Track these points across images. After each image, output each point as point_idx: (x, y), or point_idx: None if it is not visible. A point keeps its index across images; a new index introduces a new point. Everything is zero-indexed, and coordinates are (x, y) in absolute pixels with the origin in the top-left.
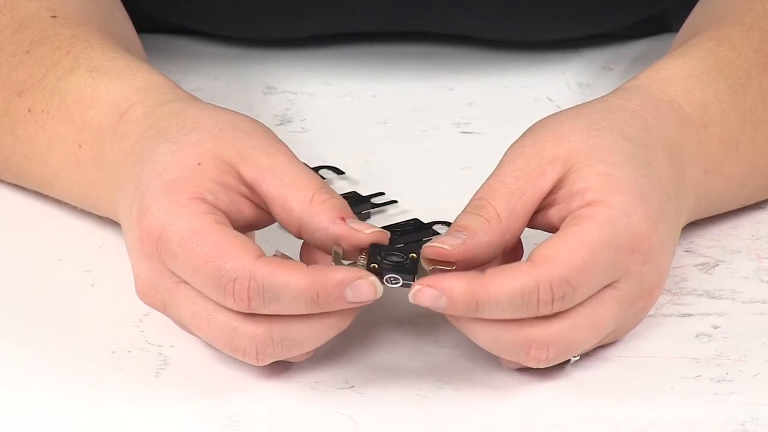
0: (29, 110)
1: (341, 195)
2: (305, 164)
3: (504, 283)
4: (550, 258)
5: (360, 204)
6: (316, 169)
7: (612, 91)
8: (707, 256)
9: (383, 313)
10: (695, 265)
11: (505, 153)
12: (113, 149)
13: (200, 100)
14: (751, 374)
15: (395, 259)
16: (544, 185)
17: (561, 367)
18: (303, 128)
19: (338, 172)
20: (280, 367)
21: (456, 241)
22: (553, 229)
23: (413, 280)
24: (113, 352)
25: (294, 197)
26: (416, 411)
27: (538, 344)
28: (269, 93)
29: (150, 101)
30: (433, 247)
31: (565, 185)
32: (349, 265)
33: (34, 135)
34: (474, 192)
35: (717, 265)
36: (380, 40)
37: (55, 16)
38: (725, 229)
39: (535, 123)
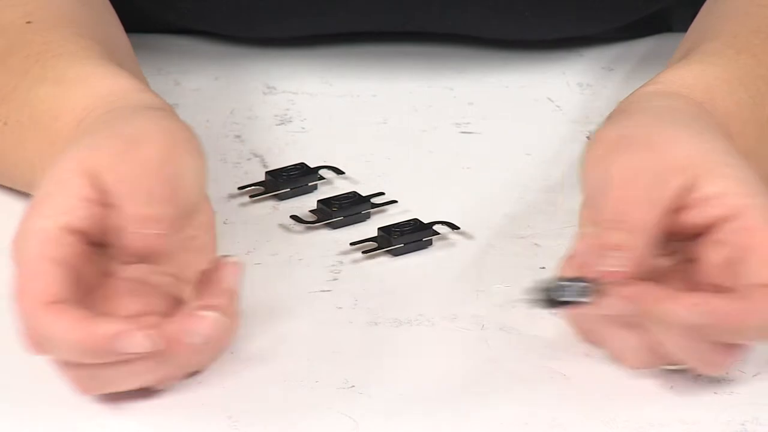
0: (5, 123)
1: (341, 195)
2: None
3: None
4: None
5: (360, 204)
6: (316, 169)
7: (644, 99)
8: None
9: (383, 313)
10: None
11: (607, 166)
12: None
13: (160, 108)
14: (751, 374)
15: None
16: (670, 193)
17: (578, 362)
18: (303, 128)
19: (338, 172)
20: (281, 367)
21: (620, 261)
22: (686, 232)
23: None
24: None
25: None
26: (416, 411)
27: (728, 353)
28: (269, 93)
29: (103, 110)
30: (607, 271)
31: (695, 189)
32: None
33: (17, 145)
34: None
35: None
36: (380, 39)
37: (30, 22)
38: None
39: (616, 129)
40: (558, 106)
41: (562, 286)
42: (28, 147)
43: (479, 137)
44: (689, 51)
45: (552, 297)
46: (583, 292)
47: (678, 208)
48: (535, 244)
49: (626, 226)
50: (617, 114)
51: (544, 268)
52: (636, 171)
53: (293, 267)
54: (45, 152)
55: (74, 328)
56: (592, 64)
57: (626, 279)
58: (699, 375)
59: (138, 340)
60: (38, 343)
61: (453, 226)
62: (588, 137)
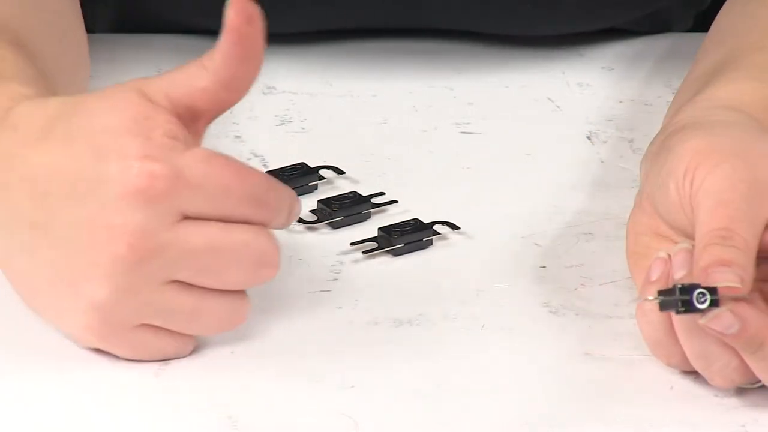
0: None
1: (341, 195)
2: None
3: None
4: None
5: (360, 204)
6: (316, 169)
7: (700, 108)
8: None
9: (383, 313)
10: None
11: (709, 177)
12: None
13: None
14: None
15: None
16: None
17: (578, 362)
18: (303, 128)
19: (338, 172)
20: (280, 368)
21: (734, 277)
22: None
23: (716, 304)
24: None
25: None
26: (416, 411)
27: None
28: (269, 93)
29: (38, 100)
30: (728, 287)
31: None
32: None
33: None
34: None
35: None
36: (380, 37)
37: None
38: None
39: (713, 147)
40: (558, 106)
41: (702, 294)
42: None
43: (479, 137)
44: (728, 61)
45: (685, 300)
46: (704, 301)
47: None
48: (535, 244)
49: (734, 242)
50: (692, 126)
51: (544, 267)
52: (736, 185)
53: (293, 267)
54: None
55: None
56: (592, 64)
57: (739, 296)
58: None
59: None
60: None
61: (453, 226)
62: (588, 138)
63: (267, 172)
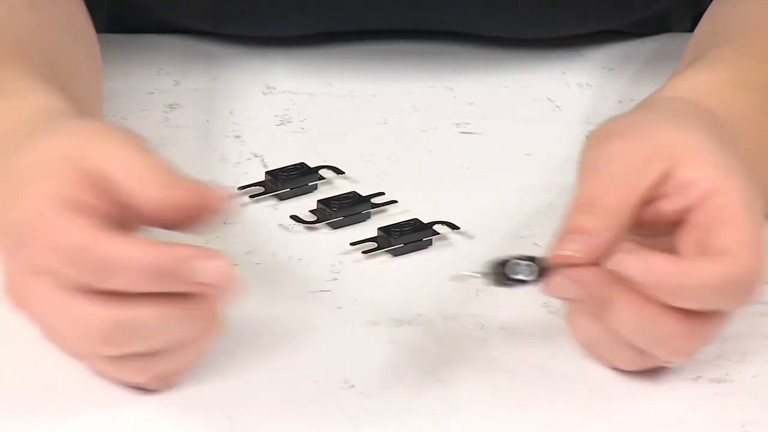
0: None
1: (341, 195)
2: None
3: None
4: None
5: (360, 204)
6: (316, 169)
7: (650, 102)
8: None
9: (383, 313)
10: None
11: (593, 154)
12: None
13: (91, 120)
14: (752, 375)
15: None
16: (649, 180)
17: (578, 362)
18: (303, 128)
19: (338, 172)
20: (281, 367)
21: (579, 245)
22: (666, 221)
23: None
24: None
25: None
26: (416, 411)
27: (688, 335)
28: (269, 93)
29: (33, 119)
30: (561, 256)
31: (673, 178)
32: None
33: None
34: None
35: None
36: (380, 38)
37: None
38: None
39: (610, 123)
40: (558, 106)
41: (516, 264)
42: None
43: (479, 137)
44: (697, 58)
45: (502, 273)
46: (531, 272)
47: (657, 196)
48: (535, 244)
49: (595, 210)
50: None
51: None
52: (615, 157)
53: (293, 267)
54: None
55: (147, 250)
56: (592, 64)
57: (582, 263)
58: (699, 376)
59: (211, 266)
60: (99, 274)
61: (453, 226)
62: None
63: (267, 172)
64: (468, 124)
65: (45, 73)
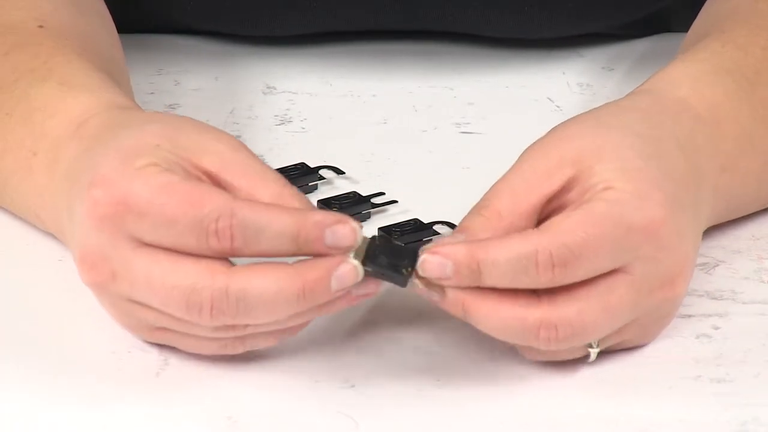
0: None
1: (341, 195)
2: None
3: (503, 246)
4: (554, 225)
5: (360, 204)
6: (316, 169)
7: (622, 97)
8: (707, 257)
9: (383, 313)
10: (695, 266)
11: (518, 158)
12: (68, 156)
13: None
14: (752, 375)
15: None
16: (552, 185)
17: (579, 362)
18: (303, 128)
19: (338, 172)
20: (281, 367)
21: (454, 242)
22: None
23: (412, 267)
24: (113, 352)
25: (262, 188)
26: (416, 411)
27: (547, 324)
28: (269, 93)
29: (109, 114)
30: (432, 249)
31: (578, 185)
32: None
33: None
34: (473, 192)
35: (717, 265)
36: (380, 38)
37: (42, 26)
38: (725, 229)
39: (550, 129)
40: (558, 106)
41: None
42: (9, 139)
43: (479, 137)
44: (680, 52)
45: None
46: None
47: (566, 203)
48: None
49: (485, 212)
50: None
51: None
52: (525, 164)
53: None
54: (27, 146)
55: (287, 214)
56: (592, 64)
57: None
58: (699, 376)
59: (344, 231)
60: (238, 235)
61: (453, 226)
62: None
63: None
64: (468, 124)
65: (106, 71)
